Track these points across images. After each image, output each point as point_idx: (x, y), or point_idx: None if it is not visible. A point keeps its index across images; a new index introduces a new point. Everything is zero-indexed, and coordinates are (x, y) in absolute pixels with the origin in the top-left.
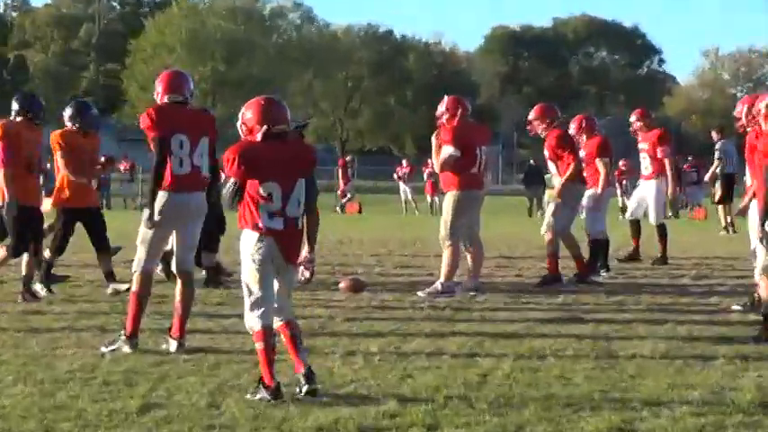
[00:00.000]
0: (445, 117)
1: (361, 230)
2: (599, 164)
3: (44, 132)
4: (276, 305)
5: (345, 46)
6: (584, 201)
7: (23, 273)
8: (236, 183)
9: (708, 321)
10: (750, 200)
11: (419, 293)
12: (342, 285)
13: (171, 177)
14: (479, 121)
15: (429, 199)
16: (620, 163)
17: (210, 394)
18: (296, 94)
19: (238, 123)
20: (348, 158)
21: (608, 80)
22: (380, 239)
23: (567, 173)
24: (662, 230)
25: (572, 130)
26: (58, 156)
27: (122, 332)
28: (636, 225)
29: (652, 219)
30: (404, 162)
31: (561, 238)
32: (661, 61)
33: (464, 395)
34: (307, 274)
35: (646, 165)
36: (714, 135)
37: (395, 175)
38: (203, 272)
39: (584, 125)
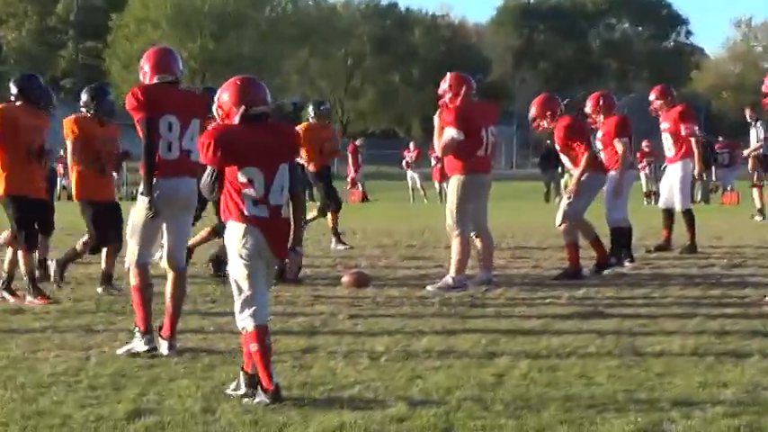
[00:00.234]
0: (448, 96)
1: (365, 220)
2: (617, 144)
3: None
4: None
5: (345, 20)
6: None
7: (5, 269)
8: (214, 170)
9: (741, 315)
10: None
11: (428, 288)
12: (345, 280)
13: (159, 162)
14: (490, 99)
15: (437, 186)
16: (643, 144)
17: (205, 398)
18: (291, 72)
19: (214, 107)
20: (358, 142)
21: (631, 54)
22: (386, 230)
23: (581, 166)
24: (689, 217)
25: (588, 108)
26: (68, 143)
27: (135, 329)
28: (668, 214)
29: (678, 204)
30: (411, 145)
31: (575, 224)
32: (688, 33)
33: (478, 396)
34: (294, 269)
35: (669, 146)
36: (748, 113)
37: (404, 163)
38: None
39: (601, 104)
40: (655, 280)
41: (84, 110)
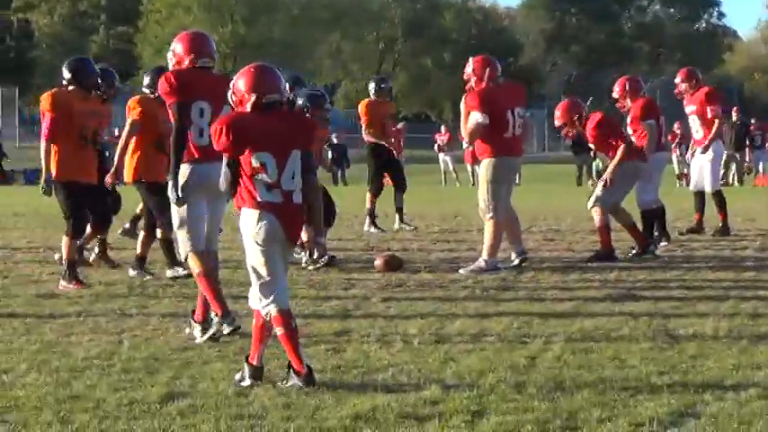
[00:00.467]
0: (473, 80)
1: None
2: (644, 127)
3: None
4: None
5: (377, 4)
6: None
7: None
8: (229, 165)
9: None
10: None
11: (461, 271)
12: (377, 263)
13: (191, 147)
14: (520, 82)
15: (470, 168)
16: (675, 126)
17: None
18: (323, 56)
19: (229, 93)
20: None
21: (662, 36)
22: (419, 213)
23: (617, 157)
24: (719, 198)
25: (615, 93)
26: (128, 122)
27: (214, 316)
28: (700, 197)
29: (707, 186)
30: (442, 128)
31: (611, 212)
32: (720, 14)
33: (511, 379)
34: (315, 255)
35: (696, 128)
36: None
37: (435, 147)
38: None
39: (627, 88)
40: (687, 262)
41: (147, 90)
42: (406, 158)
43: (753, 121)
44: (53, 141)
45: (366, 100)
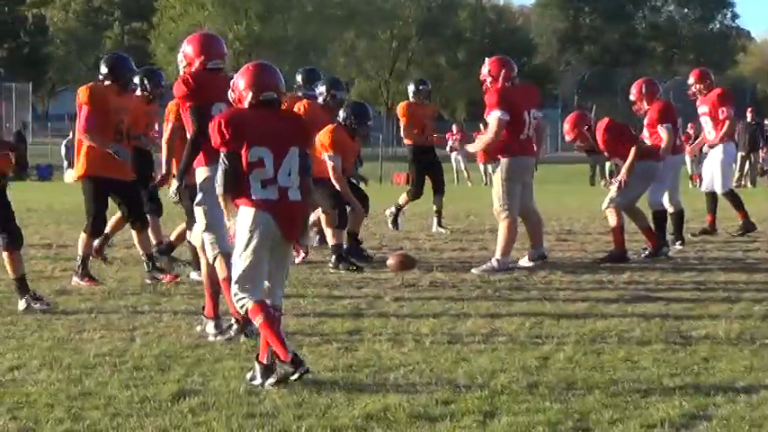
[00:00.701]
0: (488, 80)
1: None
2: (661, 130)
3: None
4: (267, 286)
5: (391, 2)
6: None
7: (141, 252)
8: (225, 162)
9: None
10: None
11: (473, 270)
12: (390, 262)
13: (207, 149)
14: (534, 82)
15: (482, 167)
16: (688, 127)
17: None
18: (337, 54)
19: (229, 91)
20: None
21: (676, 37)
22: (431, 212)
23: (629, 159)
24: (732, 197)
25: (632, 95)
26: (169, 126)
27: (234, 322)
28: (712, 198)
29: (718, 187)
30: (453, 128)
31: (626, 212)
32: (734, 15)
33: (523, 380)
34: (302, 252)
35: (708, 129)
36: None
37: (447, 148)
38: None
39: (644, 90)
40: (699, 264)
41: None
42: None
43: (767, 122)
44: (90, 134)
45: (405, 102)
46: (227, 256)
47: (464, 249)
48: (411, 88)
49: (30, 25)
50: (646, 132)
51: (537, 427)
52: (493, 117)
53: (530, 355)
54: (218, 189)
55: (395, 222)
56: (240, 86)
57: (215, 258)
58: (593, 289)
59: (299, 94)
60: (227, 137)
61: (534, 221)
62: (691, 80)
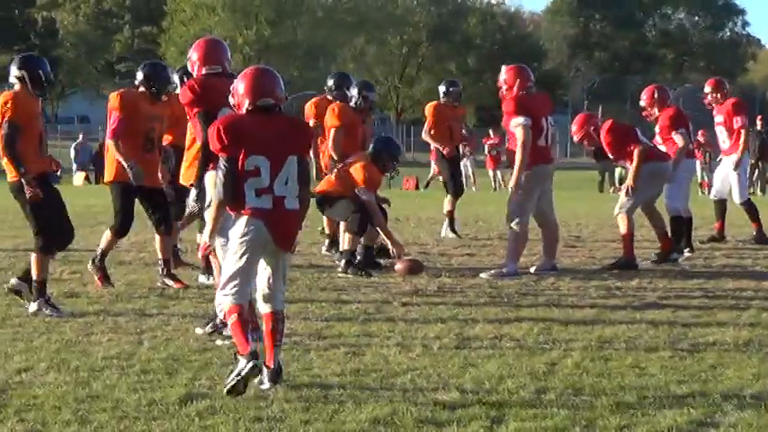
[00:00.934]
0: (504, 88)
1: (418, 207)
2: (675, 137)
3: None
4: (267, 292)
5: (401, 8)
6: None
7: (160, 256)
8: (225, 168)
9: None
10: None
11: (482, 276)
12: (398, 267)
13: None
14: (544, 88)
15: (491, 173)
16: (699, 134)
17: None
18: (347, 59)
19: (230, 96)
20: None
21: (687, 44)
22: (439, 217)
23: (634, 163)
24: (749, 207)
25: (643, 102)
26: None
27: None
28: (720, 205)
29: (736, 197)
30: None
31: (644, 212)
32: (745, 23)
33: (530, 386)
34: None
35: (723, 138)
36: None
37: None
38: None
39: (656, 97)
40: (708, 271)
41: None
42: (424, 162)
43: None
44: (116, 140)
45: (434, 102)
46: None
47: (472, 255)
48: (441, 89)
49: (40, 28)
50: (658, 139)
51: None
52: (516, 125)
53: (537, 360)
54: (218, 196)
55: (454, 231)
56: (239, 92)
57: None
58: (602, 296)
59: (329, 97)
60: (226, 142)
61: (550, 232)
62: (707, 89)
